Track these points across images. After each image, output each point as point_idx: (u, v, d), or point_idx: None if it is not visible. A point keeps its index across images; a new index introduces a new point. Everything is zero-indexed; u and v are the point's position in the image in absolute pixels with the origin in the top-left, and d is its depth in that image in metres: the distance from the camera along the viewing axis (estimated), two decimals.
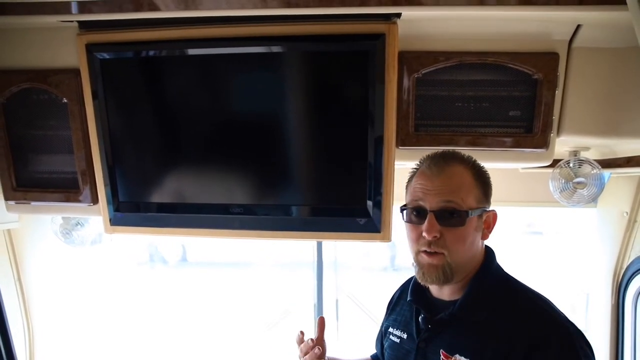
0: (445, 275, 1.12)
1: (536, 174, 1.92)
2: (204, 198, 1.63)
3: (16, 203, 1.80)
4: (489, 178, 1.22)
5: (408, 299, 1.27)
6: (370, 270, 7.61)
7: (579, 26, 1.41)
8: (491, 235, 1.21)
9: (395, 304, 1.41)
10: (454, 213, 1.11)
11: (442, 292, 1.21)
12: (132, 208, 1.70)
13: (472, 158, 1.21)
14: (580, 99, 1.49)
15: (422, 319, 1.21)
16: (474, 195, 1.14)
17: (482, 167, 1.21)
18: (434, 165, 1.16)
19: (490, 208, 1.21)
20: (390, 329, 1.33)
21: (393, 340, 1.30)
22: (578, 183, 1.72)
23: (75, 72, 1.59)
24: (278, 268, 7.97)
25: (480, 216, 1.16)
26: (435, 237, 1.11)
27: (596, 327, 2.12)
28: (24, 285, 2.23)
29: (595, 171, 1.70)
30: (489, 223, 1.19)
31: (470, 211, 1.12)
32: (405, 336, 1.26)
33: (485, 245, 1.24)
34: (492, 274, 1.20)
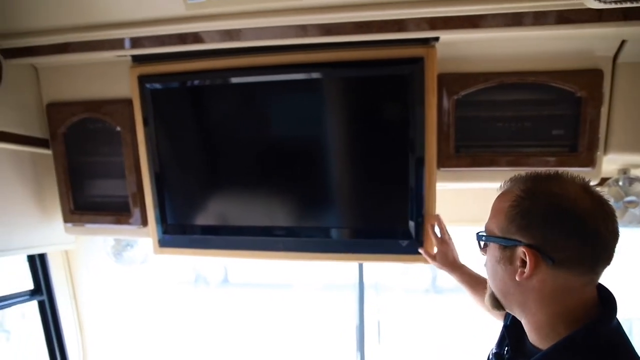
0: (493, 302, 1.00)
1: None
2: (247, 220, 1.68)
3: (73, 225, 1.92)
4: (537, 207, 0.87)
5: (503, 324, 1.09)
6: (411, 292, 7.47)
7: (623, 41, 1.38)
8: (526, 279, 0.88)
9: None
10: (479, 237, 0.99)
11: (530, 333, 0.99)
12: (179, 230, 1.76)
13: (529, 185, 0.91)
14: (627, 115, 1.45)
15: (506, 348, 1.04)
16: (497, 220, 0.93)
17: (535, 194, 0.89)
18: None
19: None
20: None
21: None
22: (629, 202, 1.65)
23: (128, 102, 1.70)
24: (319, 290, 7.94)
25: (505, 248, 0.91)
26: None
27: None
28: (79, 302, 2.34)
29: None
30: (523, 260, 0.87)
31: (485, 237, 0.96)
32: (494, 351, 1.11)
33: (605, 298, 0.93)
34: (591, 340, 0.86)
